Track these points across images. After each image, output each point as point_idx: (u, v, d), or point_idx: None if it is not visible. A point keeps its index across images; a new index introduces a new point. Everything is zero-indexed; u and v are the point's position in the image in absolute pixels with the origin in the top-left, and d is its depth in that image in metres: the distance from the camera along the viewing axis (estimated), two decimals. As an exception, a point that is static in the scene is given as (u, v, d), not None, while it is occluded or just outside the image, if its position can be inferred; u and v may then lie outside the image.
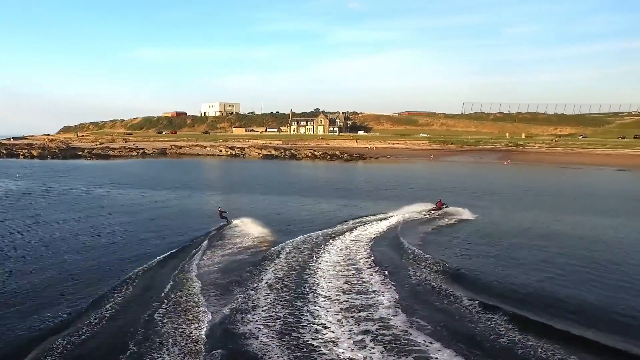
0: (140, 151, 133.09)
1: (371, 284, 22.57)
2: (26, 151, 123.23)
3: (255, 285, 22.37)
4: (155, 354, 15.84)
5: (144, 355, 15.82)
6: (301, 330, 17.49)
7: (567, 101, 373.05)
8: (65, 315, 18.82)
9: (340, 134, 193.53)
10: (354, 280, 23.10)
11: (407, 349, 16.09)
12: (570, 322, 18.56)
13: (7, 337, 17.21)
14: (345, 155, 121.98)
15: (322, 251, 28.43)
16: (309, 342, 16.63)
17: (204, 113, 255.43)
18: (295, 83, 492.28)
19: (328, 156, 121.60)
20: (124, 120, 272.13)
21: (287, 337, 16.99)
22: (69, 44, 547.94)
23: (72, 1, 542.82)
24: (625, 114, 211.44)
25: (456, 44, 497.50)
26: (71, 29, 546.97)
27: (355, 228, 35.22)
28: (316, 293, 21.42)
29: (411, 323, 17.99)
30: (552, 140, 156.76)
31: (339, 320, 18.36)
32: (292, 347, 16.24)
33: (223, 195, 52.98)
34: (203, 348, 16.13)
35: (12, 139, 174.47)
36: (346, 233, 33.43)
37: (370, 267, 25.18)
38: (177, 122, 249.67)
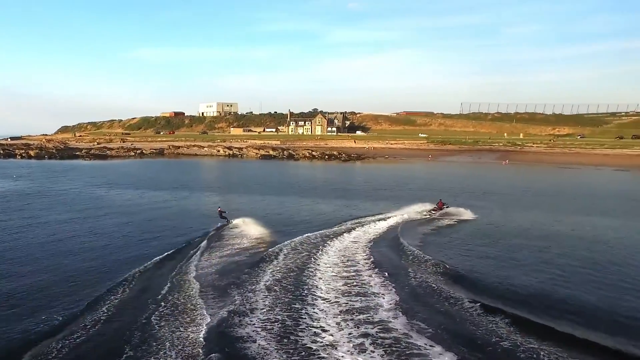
0: (137, 151, 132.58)
1: (371, 286, 22.31)
2: (23, 151, 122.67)
3: (253, 287, 22.12)
4: (152, 358, 15.59)
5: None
6: (300, 334, 17.23)
7: (565, 101, 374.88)
8: (60, 318, 18.55)
9: (339, 134, 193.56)
10: (353, 282, 22.84)
11: (407, 352, 15.86)
12: (573, 324, 18.37)
13: (1, 340, 16.93)
14: (344, 155, 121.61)
15: (321, 252, 28.19)
16: (308, 345, 16.39)
17: (202, 113, 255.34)
18: (294, 83, 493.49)
19: (326, 156, 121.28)
20: (121, 120, 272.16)
21: (285, 340, 16.75)
22: (68, 44, 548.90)
23: (71, 1, 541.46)
24: (623, 114, 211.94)
25: (454, 44, 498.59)
26: (70, 29, 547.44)
27: (355, 229, 34.97)
28: (315, 295, 21.17)
29: (412, 326, 17.74)
30: (550, 140, 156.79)
31: (338, 323, 18.09)
32: (291, 351, 16.00)
33: (221, 196, 52.65)
34: (201, 352, 15.88)
35: (9, 139, 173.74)
36: (345, 234, 33.18)
37: (369, 269, 24.92)
38: (175, 122, 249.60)
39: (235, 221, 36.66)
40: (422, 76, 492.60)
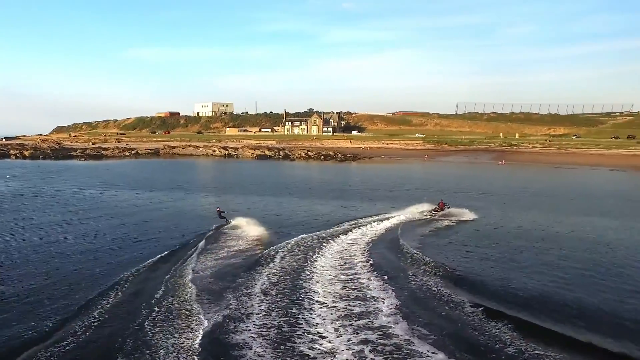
0: (133, 151, 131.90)
1: (370, 290, 21.77)
2: (18, 151, 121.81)
3: (249, 290, 21.57)
4: (145, 366, 15.07)
5: (133, 368, 15.06)
6: (297, 340, 16.68)
7: (560, 101, 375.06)
8: (50, 324, 17.97)
9: (334, 134, 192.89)
10: (351, 286, 22.29)
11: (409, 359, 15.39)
12: (577, 328, 17.97)
13: (-13, 348, 16.37)
14: (339, 155, 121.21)
15: (318, 254, 27.67)
16: (305, 352, 15.87)
17: (198, 113, 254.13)
18: (289, 83, 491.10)
19: (322, 156, 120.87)
20: (117, 120, 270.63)
21: (282, 347, 16.21)
22: (64, 44, 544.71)
23: (69, 1, 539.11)
24: (618, 114, 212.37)
25: (450, 44, 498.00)
26: (65, 28, 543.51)
27: (352, 230, 34.46)
28: (312, 299, 20.61)
29: (413, 331, 17.21)
30: (545, 140, 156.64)
31: (336, 329, 17.53)
32: (287, 359, 15.49)
33: (217, 197, 52.07)
34: (196, 359, 15.35)
35: (4, 139, 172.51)
36: (343, 235, 32.69)
37: (368, 271, 24.40)
38: (170, 122, 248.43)
39: (234, 221, 36.31)
40: (418, 76, 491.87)
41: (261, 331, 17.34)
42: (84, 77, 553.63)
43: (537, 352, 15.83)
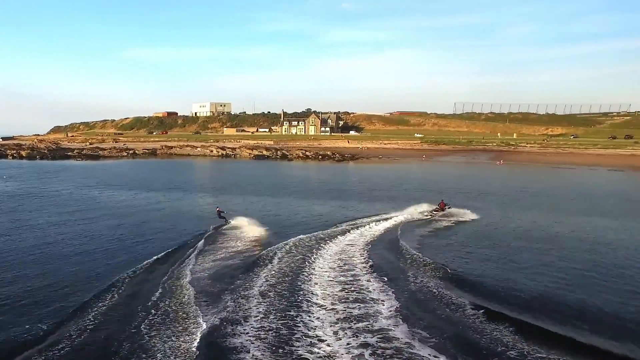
0: (130, 151, 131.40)
1: (369, 291, 21.48)
2: (15, 152, 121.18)
3: (247, 292, 21.26)
4: (141, 371, 14.80)
5: (129, 372, 14.79)
6: (295, 344, 16.37)
7: (558, 101, 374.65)
8: (45, 327, 17.63)
9: (332, 134, 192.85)
10: (351, 287, 21.98)
11: (410, 363, 15.14)
12: (579, 330, 17.76)
13: (-20, 352, 16.08)
14: (337, 155, 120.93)
15: (317, 255, 27.36)
16: (304, 356, 15.59)
17: (195, 113, 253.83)
18: (287, 83, 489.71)
19: (320, 156, 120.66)
20: (114, 120, 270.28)
21: (280, 350, 15.92)
22: (62, 44, 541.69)
23: (68, 1, 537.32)
24: (615, 114, 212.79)
25: (448, 44, 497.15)
26: (63, 28, 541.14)
27: (352, 230, 34.18)
28: (311, 302, 20.29)
29: (413, 334, 16.93)
30: (543, 140, 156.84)
31: (335, 332, 17.22)
32: (286, 363, 15.26)
33: (215, 197, 51.74)
34: (193, 363, 15.11)
35: (1, 139, 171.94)
36: (342, 236, 32.42)
37: (368, 273, 24.11)
38: (168, 122, 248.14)
39: (234, 221, 36.22)
40: (416, 76, 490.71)
41: (259, 334, 17.06)
42: (82, 77, 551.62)
43: (540, 355, 15.59)
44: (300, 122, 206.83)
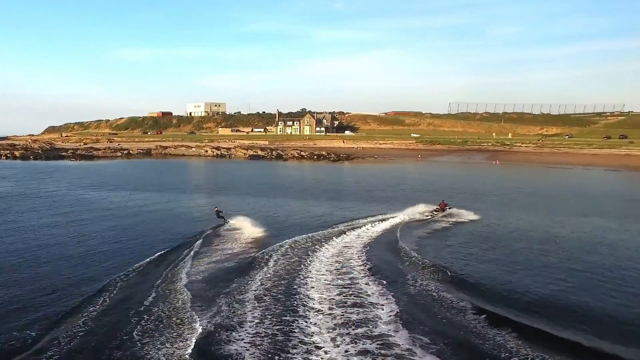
0: (124, 152, 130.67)
1: (368, 295, 20.92)
2: (8, 152, 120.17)
3: (242, 297, 20.68)
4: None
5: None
6: (292, 351, 15.80)
7: (552, 101, 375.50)
8: (34, 334, 17.01)
9: (327, 134, 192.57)
10: (349, 291, 21.38)
11: (412, 371, 14.66)
12: (584, 334, 17.37)
13: (-35, 360, 15.49)
14: (332, 155, 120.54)
15: (314, 257, 26.82)
16: (301, 364, 15.12)
17: (190, 113, 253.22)
18: (282, 83, 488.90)
19: (315, 156, 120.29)
20: (109, 120, 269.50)
21: (276, 357, 15.36)
22: (56, 44, 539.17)
23: (60, 2, 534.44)
24: (609, 114, 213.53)
25: (441, 44, 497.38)
26: (58, 29, 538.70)
27: (349, 231, 33.65)
28: (308, 306, 19.71)
29: (414, 340, 16.38)
30: (539, 140, 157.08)
31: (333, 339, 16.63)
32: (283, 371, 14.75)
33: (211, 198, 51.15)
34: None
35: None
36: (339, 237, 31.87)
37: (366, 276, 23.58)
38: (162, 122, 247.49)
39: (232, 221, 35.99)
40: (411, 76, 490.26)
41: (254, 341, 16.49)
42: (77, 77, 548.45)
43: (544, 360, 15.19)
44: (295, 122, 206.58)
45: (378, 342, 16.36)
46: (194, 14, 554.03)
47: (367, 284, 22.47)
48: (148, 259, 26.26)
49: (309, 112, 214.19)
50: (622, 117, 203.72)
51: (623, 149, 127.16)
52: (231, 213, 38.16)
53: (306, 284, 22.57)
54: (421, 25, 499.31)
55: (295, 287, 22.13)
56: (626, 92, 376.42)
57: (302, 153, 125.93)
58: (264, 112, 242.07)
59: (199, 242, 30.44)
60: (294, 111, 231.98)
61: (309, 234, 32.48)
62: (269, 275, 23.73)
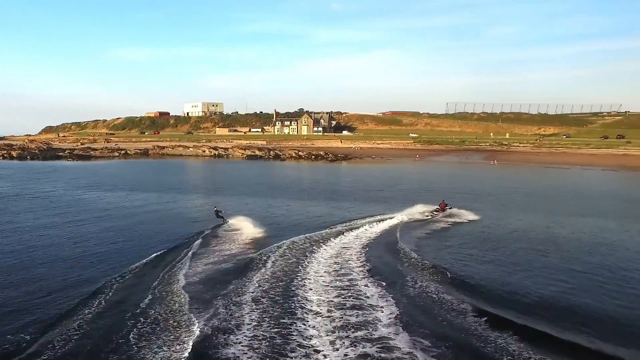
0: (122, 152, 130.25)
1: (367, 297, 20.64)
2: (5, 152, 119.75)
3: (240, 299, 20.40)
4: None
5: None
6: (290, 354, 15.56)
7: (549, 101, 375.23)
8: (28, 338, 16.72)
9: (325, 134, 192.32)
10: (348, 293, 21.11)
11: (412, 375, 14.40)
12: (586, 336, 17.19)
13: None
14: (330, 155, 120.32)
15: (313, 258, 26.57)
16: (300, 368, 14.86)
17: (187, 113, 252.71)
18: (279, 83, 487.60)
19: (312, 156, 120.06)
20: (106, 120, 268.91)
21: (274, 362, 15.18)
22: (54, 45, 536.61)
23: (57, 2, 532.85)
24: (605, 114, 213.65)
25: (440, 44, 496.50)
26: (55, 29, 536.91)
27: (348, 232, 33.40)
28: (306, 308, 19.46)
29: (415, 343, 16.15)
30: (536, 140, 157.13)
31: (332, 342, 16.35)
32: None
33: (209, 198, 50.91)
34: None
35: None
36: (338, 238, 31.62)
37: (365, 277, 23.31)
38: (160, 122, 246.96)
39: (231, 220, 35.95)
40: (408, 76, 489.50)
41: (252, 344, 16.23)
42: (74, 77, 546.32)
43: (547, 365, 14.97)
44: (292, 122, 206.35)
45: (378, 346, 16.12)
46: (194, 14, 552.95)
47: (366, 285, 22.22)
48: (145, 260, 25.98)
49: (307, 112, 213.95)
50: (619, 117, 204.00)
51: (621, 149, 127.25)
52: (230, 213, 37.94)
53: (304, 285, 22.32)
54: (421, 25, 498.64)
55: (293, 288, 21.88)
56: (625, 92, 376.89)
57: (300, 153, 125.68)
58: (261, 112, 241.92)
59: (197, 242, 30.19)
60: (291, 111, 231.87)
61: (307, 235, 32.24)
62: (267, 276, 23.48)
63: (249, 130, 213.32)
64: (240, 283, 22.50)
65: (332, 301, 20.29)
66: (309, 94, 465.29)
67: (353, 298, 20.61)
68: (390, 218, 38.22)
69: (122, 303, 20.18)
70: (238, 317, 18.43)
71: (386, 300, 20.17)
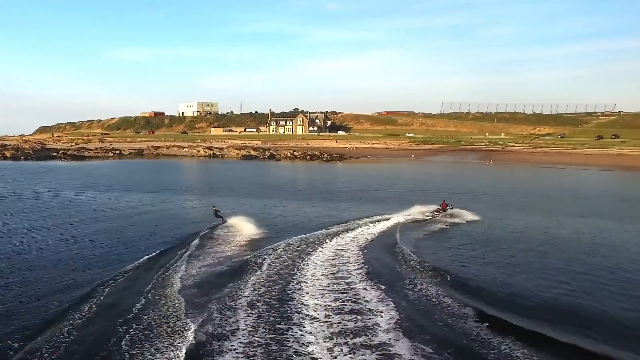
0: (116, 152, 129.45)
1: (366, 301, 20.08)
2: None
3: (234, 303, 19.81)
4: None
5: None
6: (287, 362, 15.11)
7: (544, 101, 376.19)
8: (16, 345, 16.10)
9: (320, 133, 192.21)
10: (346, 297, 20.52)
11: (415, 384, 13.89)
12: (591, 340, 16.77)
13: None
14: (326, 155, 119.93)
15: (310, 261, 26.03)
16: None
17: (182, 113, 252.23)
18: (274, 83, 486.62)
19: (308, 156, 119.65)
20: (101, 120, 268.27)
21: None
22: (49, 44, 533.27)
23: (56, 2, 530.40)
24: (600, 114, 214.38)
25: (440, 44, 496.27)
26: (50, 29, 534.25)
27: (346, 233, 32.85)
28: (303, 313, 18.89)
29: (416, 350, 15.63)
30: (532, 140, 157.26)
31: (330, 349, 15.79)
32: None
33: (203, 199, 50.33)
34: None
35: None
36: (336, 239, 31.09)
37: (364, 280, 22.77)
38: (154, 122, 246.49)
39: (230, 220, 35.66)
40: (403, 76, 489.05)
41: (247, 351, 15.67)
42: (69, 77, 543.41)
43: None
44: (287, 122, 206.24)
45: (378, 353, 15.58)
46: (193, 14, 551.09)
47: (364, 288, 21.68)
48: (138, 263, 25.40)
49: (302, 112, 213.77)
50: (613, 117, 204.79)
51: (616, 148, 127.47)
52: (228, 213, 37.42)
53: (301, 289, 21.74)
54: (421, 25, 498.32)
55: (289, 292, 21.31)
56: (621, 93, 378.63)
57: (295, 153, 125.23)
58: (256, 112, 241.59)
59: (193, 243, 29.57)
60: (286, 111, 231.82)
61: (303, 236, 31.75)
62: (262, 279, 22.92)
63: (244, 130, 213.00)
64: (235, 286, 21.93)
65: (329, 305, 19.71)
66: (308, 94, 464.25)
67: (351, 302, 20.05)
68: (388, 219, 37.72)
69: (114, 307, 19.57)
70: (233, 323, 17.86)
71: (386, 305, 19.64)
